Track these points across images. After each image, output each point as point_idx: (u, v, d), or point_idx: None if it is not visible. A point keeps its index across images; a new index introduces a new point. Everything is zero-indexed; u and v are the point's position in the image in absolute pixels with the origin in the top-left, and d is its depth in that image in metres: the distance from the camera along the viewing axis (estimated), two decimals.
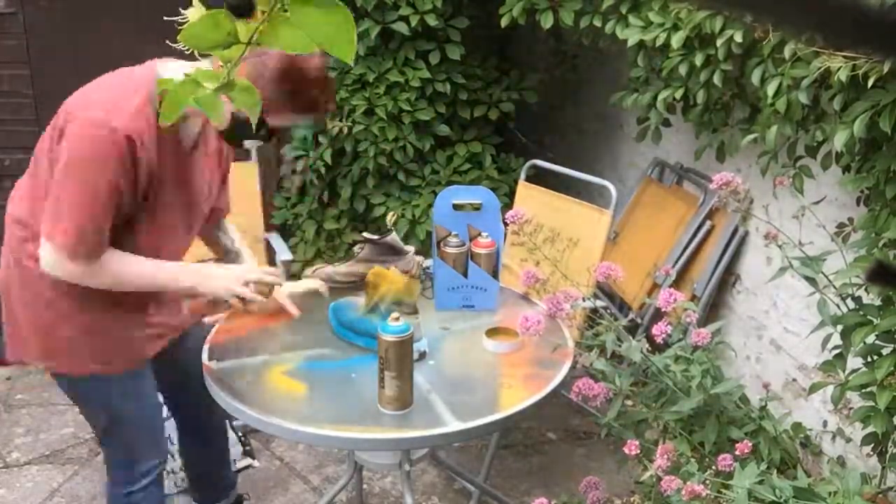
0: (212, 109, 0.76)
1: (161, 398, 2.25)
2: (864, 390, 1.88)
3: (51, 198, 1.75)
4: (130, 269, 1.85)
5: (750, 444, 1.78)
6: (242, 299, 1.97)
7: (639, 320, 3.08)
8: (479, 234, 2.20)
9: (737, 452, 1.74)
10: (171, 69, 1.79)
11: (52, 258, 1.77)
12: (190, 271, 1.95)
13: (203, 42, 0.69)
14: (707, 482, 1.68)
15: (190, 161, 1.92)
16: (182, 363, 2.14)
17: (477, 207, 2.23)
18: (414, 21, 3.32)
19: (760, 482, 1.65)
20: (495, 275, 2.24)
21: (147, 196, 1.82)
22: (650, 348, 1.95)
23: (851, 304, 1.91)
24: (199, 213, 2.03)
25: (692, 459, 1.81)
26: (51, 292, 1.87)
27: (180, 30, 0.71)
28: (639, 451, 1.79)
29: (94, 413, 2.09)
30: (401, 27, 3.34)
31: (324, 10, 0.67)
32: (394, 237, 2.35)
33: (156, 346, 2.07)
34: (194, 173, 1.94)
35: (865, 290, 1.95)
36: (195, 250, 2.18)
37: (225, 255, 2.22)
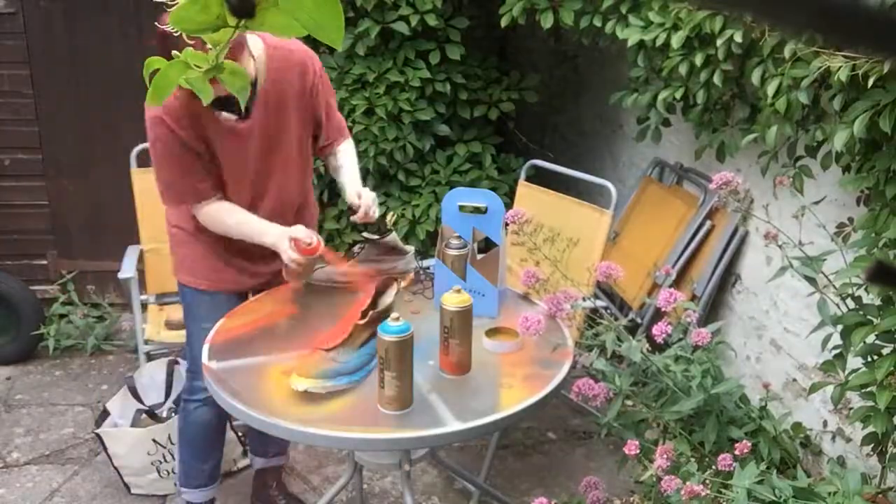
0: (202, 91, 0.76)
1: None
2: (864, 390, 1.88)
3: None
4: (219, 217, 2.27)
5: (750, 444, 1.78)
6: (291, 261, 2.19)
7: (639, 320, 3.08)
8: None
9: (737, 452, 1.74)
10: None
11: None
12: (271, 228, 2.23)
13: (192, 25, 0.69)
14: (707, 482, 1.68)
15: (245, 126, 2.21)
16: None
17: (482, 211, 2.23)
18: (414, 21, 3.32)
19: (760, 482, 1.65)
20: (496, 280, 2.23)
21: (211, 154, 2.21)
22: (650, 348, 1.95)
23: (851, 304, 1.91)
24: (280, 161, 2.30)
25: (692, 459, 1.81)
26: (171, 225, 2.43)
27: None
28: (639, 451, 1.79)
29: (183, 315, 2.49)
30: (401, 27, 3.34)
31: None
32: (394, 237, 2.35)
33: (243, 283, 2.42)
34: (252, 135, 2.22)
35: (865, 290, 1.95)
36: None
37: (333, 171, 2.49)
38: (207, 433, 2.51)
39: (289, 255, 2.15)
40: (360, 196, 2.31)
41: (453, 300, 1.92)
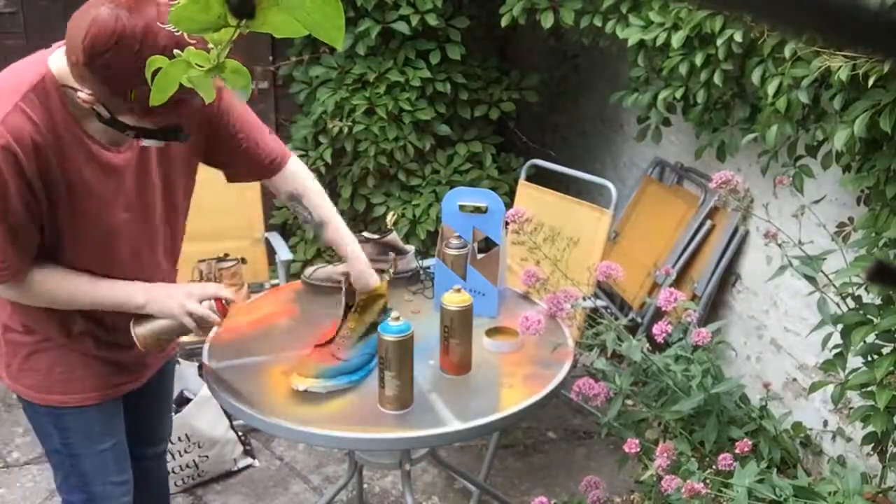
0: (204, 90, 0.76)
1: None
2: (864, 389, 1.88)
3: None
4: (61, 284, 1.63)
5: (750, 444, 1.78)
6: (198, 321, 1.70)
7: (639, 320, 3.08)
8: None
9: (737, 451, 1.74)
10: (59, 55, 1.53)
11: None
12: (136, 287, 1.70)
13: (193, 24, 0.69)
14: (707, 481, 1.68)
15: (127, 159, 1.62)
16: (146, 393, 1.92)
17: (483, 210, 2.23)
18: (414, 21, 3.32)
19: (760, 481, 1.65)
20: (496, 280, 2.23)
21: (58, 205, 1.56)
22: (650, 348, 1.95)
23: (851, 304, 1.91)
24: (154, 217, 1.73)
25: (692, 459, 1.81)
26: (8, 328, 1.74)
27: None
28: (639, 451, 1.80)
29: (56, 443, 1.83)
30: (401, 27, 3.34)
31: None
32: (394, 237, 2.35)
33: (130, 380, 1.86)
34: (132, 173, 1.64)
35: (865, 289, 1.95)
36: None
37: (289, 200, 1.97)
38: None
39: (203, 314, 1.69)
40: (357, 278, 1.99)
41: (454, 300, 1.91)
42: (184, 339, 1.89)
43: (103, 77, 1.41)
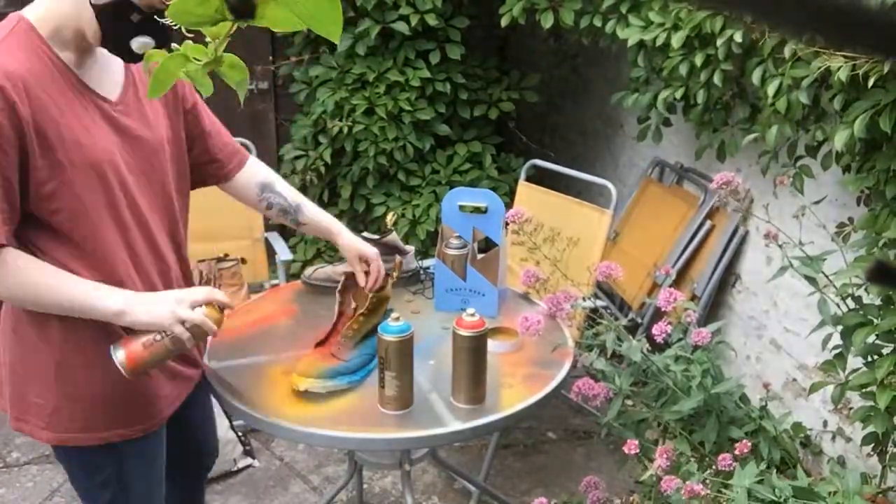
0: (202, 84, 0.76)
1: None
2: (864, 390, 1.88)
3: None
4: (34, 276, 1.42)
5: (750, 444, 1.78)
6: (192, 330, 1.51)
7: (639, 320, 3.08)
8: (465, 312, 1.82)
9: (737, 452, 1.74)
10: (38, 6, 1.45)
11: None
12: (119, 292, 1.48)
13: (191, 18, 0.69)
14: (707, 482, 1.68)
15: (118, 119, 1.52)
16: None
17: (483, 210, 2.23)
18: (414, 21, 3.33)
19: (760, 482, 1.65)
20: (496, 280, 2.23)
21: (48, 156, 1.40)
22: (650, 348, 1.95)
23: (851, 304, 1.91)
24: (161, 183, 1.61)
25: (692, 459, 1.81)
26: (40, 353, 1.51)
27: None
28: (639, 451, 1.79)
29: (90, 488, 1.66)
30: (401, 27, 3.34)
31: None
32: (394, 237, 2.35)
33: (174, 398, 1.71)
34: (127, 129, 1.53)
35: (865, 289, 1.95)
36: None
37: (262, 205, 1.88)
38: None
39: (209, 325, 1.52)
40: (368, 260, 1.95)
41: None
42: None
43: None
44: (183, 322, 1.49)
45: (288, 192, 1.90)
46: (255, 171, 1.87)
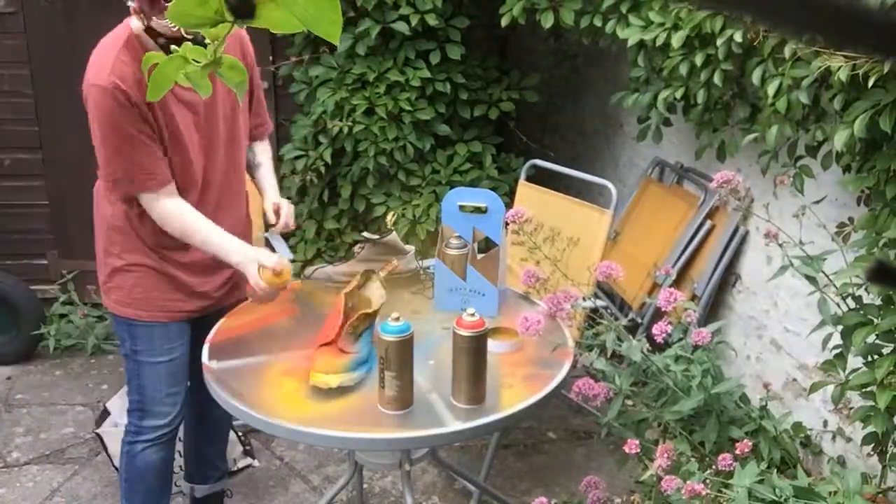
0: (200, 86, 0.76)
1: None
2: (864, 390, 1.88)
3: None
4: (183, 217, 2.06)
5: (750, 444, 1.78)
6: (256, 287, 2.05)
7: (639, 320, 3.08)
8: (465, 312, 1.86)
9: (737, 452, 1.74)
10: (134, 20, 1.99)
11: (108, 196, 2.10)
12: (236, 246, 2.08)
13: (190, 19, 0.69)
14: (707, 481, 1.68)
15: (178, 100, 2.03)
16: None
17: (483, 210, 2.23)
18: (414, 21, 3.32)
19: (760, 482, 1.65)
20: (496, 280, 2.23)
21: (165, 133, 2.01)
22: (650, 348, 1.95)
23: (852, 304, 1.91)
24: (218, 140, 2.13)
25: (692, 459, 1.81)
26: (109, 251, 2.16)
27: None
28: (639, 451, 1.79)
29: (126, 352, 2.24)
30: (401, 27, 3.34)
31: None
32: (394, 237, 2.35)
33: (194, 307, 2.22)
34: (201, 102, 2.06)
35: (866, 289, 1.95)
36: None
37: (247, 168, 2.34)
38: (156, 477, 2.30)
39: (257, 282, 2.04)
40: (279, 210, 2.27)
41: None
42: None
43: None
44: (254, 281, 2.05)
45: (258, 150, 2.36)
46: (255, 150, 2.37)
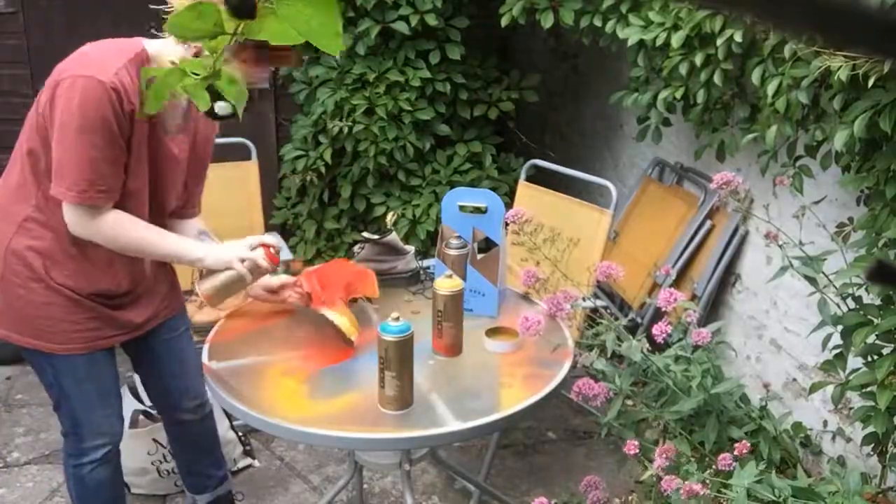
0: (199, 98, 0.76)
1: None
2: (864, 390, 1.88)
3: (55, 159, 1.85)
4: (131, 226, 1.92)
5: (750, 444, 1.78)
6: (251, 267, 2.01)
7: (639, 320, 3.08)
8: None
9: (736, 452, 1.74)
10: (156, 43, 1.89)
11: (68, 214, 1.88)
12: (193, 242, 2.04)
13: (188, 32, 0.69)
14: (707, 482, 1.68)
15: (165, 138, 1.97)
16: (156, 352, 2.21)
17: (483, 210, 2.23)
18: (414, 21, 3.32)
19: (760, 482, 1.65)
20: (496, 280, 2.23)
21: (131, 158, 1.89)
22: (650, 348, 1.95)
23: (852, 304, 1.91)
24: (166, 191, 2.03)
25: (692, 459, 1.81)
26: (27, 272, 1.95)
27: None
28: (639, 451, 1.79)
29: (49, 385, 2.11)
30: (401, 27, 3.34)
31: (310, 2, 0.67)
32: (394, 237, 2.35)
33: (113, 336, 2.06)
34: (168, 149, 1.98)
35: (866, 289, 1.95)
36: None
37: None
38: (112, 488, 2.22)
39: (263, 262, 2.00)
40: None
41: (446, 285, 2.00)
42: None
43: None
44: (242, 260, 1.98)
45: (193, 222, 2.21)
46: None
